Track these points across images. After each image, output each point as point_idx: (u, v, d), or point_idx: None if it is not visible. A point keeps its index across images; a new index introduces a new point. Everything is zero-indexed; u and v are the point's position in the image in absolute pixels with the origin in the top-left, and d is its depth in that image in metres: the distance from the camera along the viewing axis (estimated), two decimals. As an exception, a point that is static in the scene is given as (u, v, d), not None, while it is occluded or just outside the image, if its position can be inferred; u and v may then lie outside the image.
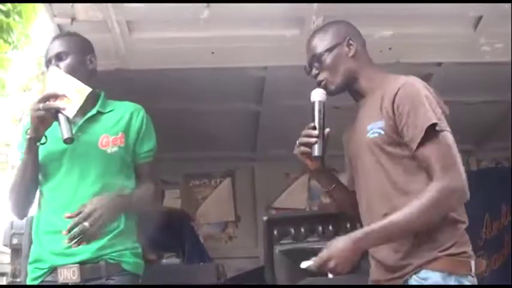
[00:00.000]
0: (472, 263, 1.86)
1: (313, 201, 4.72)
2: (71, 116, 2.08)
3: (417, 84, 1.91)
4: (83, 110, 2.15)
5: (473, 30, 2.75)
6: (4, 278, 5.23)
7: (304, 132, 1.98)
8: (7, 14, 5.27)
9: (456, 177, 1.79)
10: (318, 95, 2.00)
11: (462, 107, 3.54)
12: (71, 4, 2.44)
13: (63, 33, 2.42)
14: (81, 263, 2.10)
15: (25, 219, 2.62)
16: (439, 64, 3.14)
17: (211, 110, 3.84)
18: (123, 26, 2.57)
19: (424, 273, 1.82)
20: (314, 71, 2.07)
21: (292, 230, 3.27)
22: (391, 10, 2.58)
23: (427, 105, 1.85)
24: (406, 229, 1.82)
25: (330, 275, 1.85)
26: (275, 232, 3.29)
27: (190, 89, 3.41)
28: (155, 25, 2.63)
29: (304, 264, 1.85)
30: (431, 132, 1.82)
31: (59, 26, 2.61)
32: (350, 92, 2.10)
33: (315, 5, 2.49)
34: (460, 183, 1.79)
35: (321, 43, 2.08)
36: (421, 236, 1.84)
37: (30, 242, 2.30)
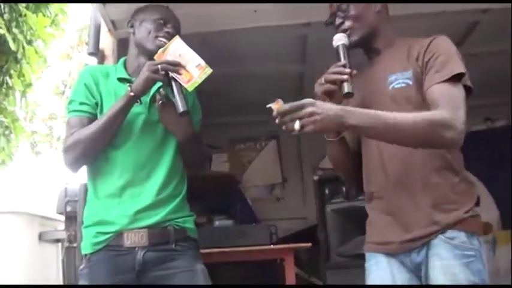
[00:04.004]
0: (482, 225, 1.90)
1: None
2: (189, 90, 2.12)
3: (450, 40, 1.95)
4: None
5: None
6: (59, 244, 5.38)
7: (333, 69, 1.93)
8: (43, -11, 5.32)
9: (459, 121, 1.78)
10: (340, 39, 2.00)
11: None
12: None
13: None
14: (149, 227, 2.13)
15: (79, 185, 2.68)
16: (485, 11, 3.03)
17: (253, 72, 3.81)
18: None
19: (450, 233, 1.84)
20: (338, 20, 2.05)
21: (344, 189, 3.26)
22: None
23: (457, 57, 1.89)
24: (396, 128, 1.76)
25: (296, 125, 1.67)
26: (326, 191, 3.29)
27: (231, 52, 3.38)
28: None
29: (271, 105, 1.71)
30: (454, 80, 1.84)
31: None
32: (366, 48, 2.10)
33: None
34: (461, 126, 1.78)
35: None
36: (444, 197, 1.87)
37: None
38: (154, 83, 2.15)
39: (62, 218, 3.00)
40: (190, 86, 2.12)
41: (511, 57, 3.47)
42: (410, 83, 1.92)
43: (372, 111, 1.79)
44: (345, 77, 1.89)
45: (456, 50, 1.93)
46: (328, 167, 4.79)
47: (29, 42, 5.35)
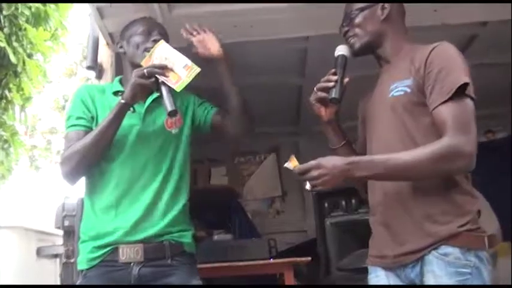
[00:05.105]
0: (486, 238, 1.82)
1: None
2: (178, 90, 2.12)
3: (453, 47, 1.91)
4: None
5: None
6: (57, 260, 5.34)
7: (323, 78, 2.00)
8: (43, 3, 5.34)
9: (469, 143, 1.75)
10: (340, 50, 2.06)
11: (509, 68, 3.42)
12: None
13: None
14: (145, 241, 2.11)
15: (76, 200, 2.66)
16: (484, 24, 3.02)
17: (253, 85, 3.78)
18: (163, 5, 2.55)
19: (443, 248, 1.79)
20: (344, 28, 2.09)
21: (343, 202, 3.24)
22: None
23: (460, 66, 1.84)
24: (403, 170, 1.79)
25: (308, 186, 1.82)
26: (325, 205, 3.27)
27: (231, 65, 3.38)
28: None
29: (287, 164, 1.87)
30: (458, 94, 1.80)
31: (98, 9, 2.60)
32: (375, 56, 2.10)
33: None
34: (470, 149, 1.75)
35: (357, 3, 2.09)
36: (438, 208, 1.82)
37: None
38: (144, 90, 2.13)
39: (61, 232, 2.98)
40: (178, 87, 2.12)
41: (511, 69, 3.47)
42: (409, 90, 1.89)
43: (373, 158, 1.86)
44: (331, 84, 1.96)
45: (457, 57, 1.88)
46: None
47: (29, 56, 5.35)
